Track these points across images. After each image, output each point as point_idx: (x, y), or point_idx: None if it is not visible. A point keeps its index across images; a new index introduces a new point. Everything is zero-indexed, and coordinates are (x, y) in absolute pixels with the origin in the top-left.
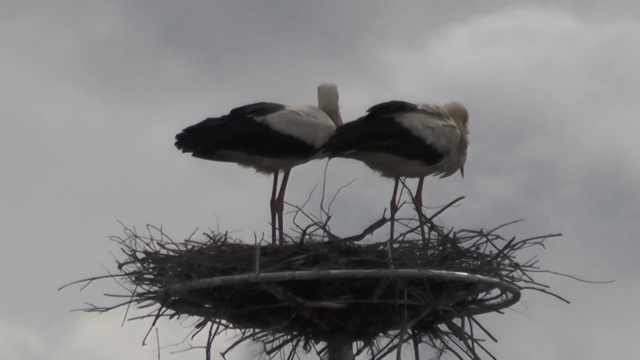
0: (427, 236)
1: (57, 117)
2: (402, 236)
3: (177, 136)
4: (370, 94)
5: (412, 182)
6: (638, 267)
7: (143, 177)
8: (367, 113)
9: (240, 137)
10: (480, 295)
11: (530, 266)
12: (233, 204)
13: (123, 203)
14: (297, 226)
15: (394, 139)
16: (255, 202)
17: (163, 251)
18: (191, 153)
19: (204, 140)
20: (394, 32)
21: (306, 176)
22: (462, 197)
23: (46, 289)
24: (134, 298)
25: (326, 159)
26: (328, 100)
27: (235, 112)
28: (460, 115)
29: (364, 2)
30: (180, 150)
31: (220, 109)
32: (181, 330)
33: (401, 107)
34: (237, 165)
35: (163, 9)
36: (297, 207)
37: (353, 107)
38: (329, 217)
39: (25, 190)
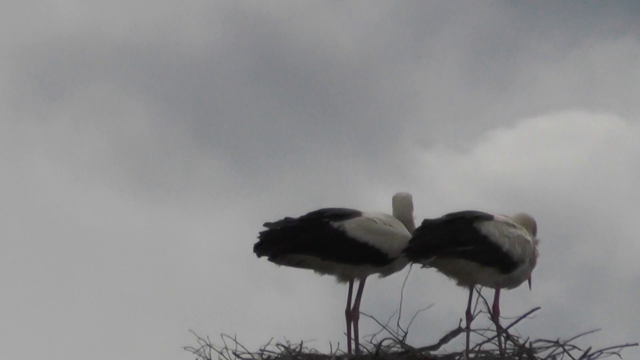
0: (503, 346)
1: (97, 218)
2: (478, 346)
3: (256, 244)
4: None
5: (487, 292)
6: None
7: (199, 282)
8: (442, 218)
9: (316, 241)
10: None
11: None
12: (306, 313)
13: (192, 310)
14: (371, 342)
15: (473, 244)
16: (330, 311)
17: None
18: (267, 257)
19: (280, 243)
20: (437, 134)
21: (385, 288)
22: (538, 308)
23: None
24: None
25: (401, 273)
26: (402, 209)
27: (311, 215)
28: (530, 226)
29: (404, 102)
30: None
31: (256, 212)
32: None
33: (477, 215)
34: (313, 272)
35: (196, 107)
36: (372, 316)
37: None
38: (405, 333)
39: (84, 299)
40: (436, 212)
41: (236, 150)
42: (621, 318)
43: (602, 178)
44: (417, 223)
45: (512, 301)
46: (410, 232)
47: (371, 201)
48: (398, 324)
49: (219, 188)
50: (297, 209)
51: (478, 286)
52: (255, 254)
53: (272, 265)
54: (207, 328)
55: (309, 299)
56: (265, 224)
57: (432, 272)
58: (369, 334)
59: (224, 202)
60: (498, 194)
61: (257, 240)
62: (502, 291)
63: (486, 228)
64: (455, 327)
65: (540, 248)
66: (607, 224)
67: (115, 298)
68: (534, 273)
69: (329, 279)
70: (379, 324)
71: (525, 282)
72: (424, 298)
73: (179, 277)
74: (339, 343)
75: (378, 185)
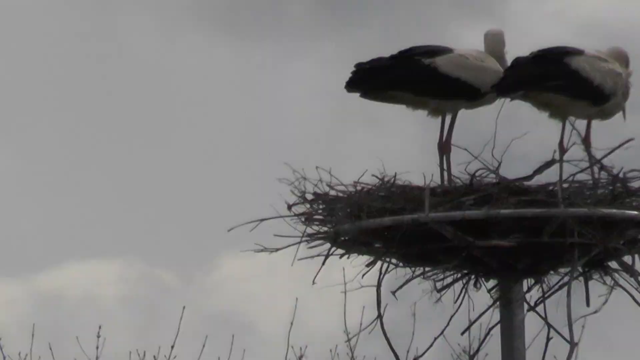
0: (596, 176)
1: (190, 61)
2: (571, 177)
3: (348, 81)
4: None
5: (580, 125)
6: None
7: (299, 118)
8: (531, 55)
9: (408, 78)
10: None
11: None
12: (400, 147)
13: (286, 145)
14: (465, 171)
15: (563, 79)
16: (424, 144)
17: (332, 192)
18: (359, 94)
19: (372, 80)
20: None
21: (478, 121)
22: (631, 139)
23: (216, 230)
24: (304, 238)
25: (495, 105)
26: (494, 46)
27: (403, 53)
28: (622, 59)
29: None
30: (347, 90)
31: (343, 52)
32: (350, 270)
33: (568, 50)
34: (405, 107)
35: None
36: (465, 149)
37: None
38: (499, 163)
39: (187, 135)
40: (525, 50)
41: None
42: None
43: None
44: (509, 60)
45: (604, 134)
46: (502, 68)
47: (460, 40)
48: (492, 154)
49: (307, 28)
50: (386, 49)
51: (571, 119)
52: (346, 90)
53: (362, 102)
54: (302, 162)
55: (400, 134)
56: (356, 65)
57: (524, 105)
58: (462, 164)
59: (310, 44)
60: (589, 33)
61: (349, 77)
62: (595, 123)
63: (577, 62)
64: (549, 158)
65: (633, 80)
66: None
67: (208, 136)
68: (628, 104)
69: (419, 114)
70: (472, 155)
71: (619, 114)
72: (516, 130)
73: (271, 114)
74: (432, 175)
75: (467, 23)
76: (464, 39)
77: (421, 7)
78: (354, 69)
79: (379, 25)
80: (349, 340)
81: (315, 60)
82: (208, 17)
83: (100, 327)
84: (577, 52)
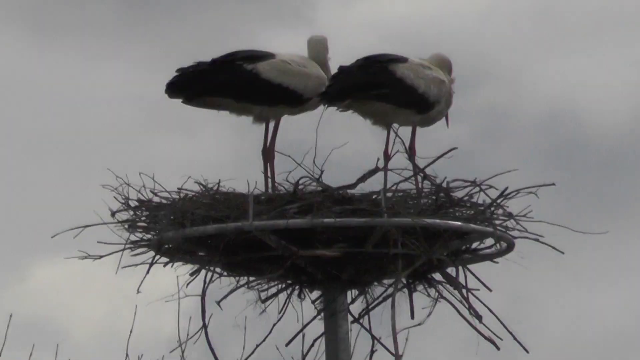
0: (420, 186)
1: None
2: (395, 185)
3: (168, 84)
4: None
5: (404, 132)
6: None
7: (117, 123)
8: (356, 63)
9: (229, 84)
10: (475, 245)
11: (524, 216)
12: (223, 153)
13: (107, 151)
14: (287, 180)
15: (388, 87)
16: (248, 151)
17: (156, 199)
18: (180, 100)
19: (193, 86)
20: None
21: (299, 128)
22: (454, 148)
23: (39, 236)
24: (127, 246)
25: (317, 111)
26: (317, 52)
27: (224, 58)
28: (445, 65)
29: None
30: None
31: (151, 57)
32: (174, 279)
33: (392, 58)
34: (229, 113)
35: None
36: (289, 156)
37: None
38: (322, 172)
39: (5, 138)
40: (341, 58)
41: None
42: (530, 160)
43: (504, 21)
44: (332, 66)
45: (429, 141)
46: (325, 74)
47: (268, 44)
48: (314, 162)
49: (114, 29)
50: (200, 52)
51: (395, 126)
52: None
53: (179, 107)
54: (125, 168)
55: (221, 141)
56: (178, 70)
57: (347, 113)
58: (284, 173)
59: (120, 45)
60: (399, 39)
61: (170, 82)
62: (419, 131)
63: (401, 70)
64: (372, 167)
65: (455, 87)
66: (510, 68)
67: (27, 140)
68: (451, 111)
69: (241, 120)
70: (295, 161)
71: (442, 121)
72: (339, 138)
73: (87, 118)
74: (256, 182)
75: (275, 27)
76: (273, 43)
77: (231, 10)
78: (175, 74)
79: (190, 28)
80: (173, 350)
81: (126, 62)
82: (13, 18)
83: None
84: (402, 60)
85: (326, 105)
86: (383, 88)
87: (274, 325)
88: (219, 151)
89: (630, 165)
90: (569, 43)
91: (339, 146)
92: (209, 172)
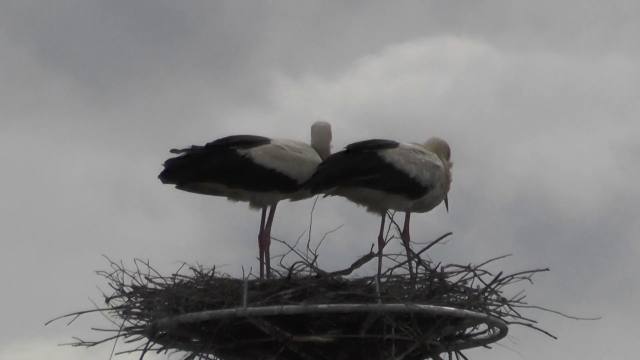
0: (414, 271)
1: None
2: (389, 271)
3: (162, 172)
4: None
5: (399, 218)
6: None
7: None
8: (345, 149)
9: (222, 169)
10: (468, 330)
11: (518, 301)
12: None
13: (101, 237)
14: (281, 264)
15: (377, 173)
16: (244, 237)
17: (150, 285)
18: (174, 185)
19: (186, 171)
20: (304, 62)
21: (293, 210)
22: (449, 233)
23: (34, 323)
24: (121, 332)
25: (313, 198)
26: (320, 138)
27: (219, 142)
28: (442, 149)
29: (261, 25)
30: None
31: (108, 135)
32: None
33: (382, 143)
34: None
35: (41, 27)
36: (284, 242)
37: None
38: (316, 256)
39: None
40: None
41: (83, 70)
42: (498, 243)
43: (469, 103)
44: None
45: (424, 226)
46: None
47: (232, 126)
48: (308, 247)
49: (67, 110)
50: (153, 132)
51: (390, 212)
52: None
53: (153, 192)
54: (120, 254)
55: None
56: (172, 151)
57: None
58: (278, 256)
59: (75, 124)
60: (367, 122)
61: (163, 169)
62: (413, 216)
63: (390, 156)
64: (367, 252)
65: (454, 171)
66: (476, 149)
67: (22, 226)
68: (450, 195)
69: (241, 206)
70: (289, 247)
71: (442, 205)
72: (333, 221)
73: (72, 204)
74: (251, 268)
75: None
76: (230, 123)
77: (185, 88)
78: (170, 155)
79: (146, 106)
80: None
81: (86, 141)
82: None
83: None
84: (391, 145)
85: (312, 194)
86: (372, 174)
87: None
88: (221, 235)
89: (600, 249)
90: (533, 124)
91: (333, 229)
92: (201, 254)
